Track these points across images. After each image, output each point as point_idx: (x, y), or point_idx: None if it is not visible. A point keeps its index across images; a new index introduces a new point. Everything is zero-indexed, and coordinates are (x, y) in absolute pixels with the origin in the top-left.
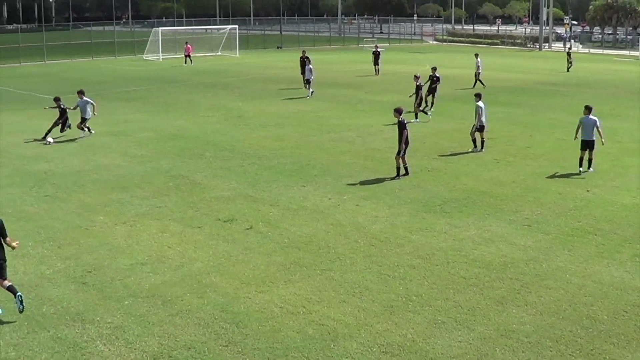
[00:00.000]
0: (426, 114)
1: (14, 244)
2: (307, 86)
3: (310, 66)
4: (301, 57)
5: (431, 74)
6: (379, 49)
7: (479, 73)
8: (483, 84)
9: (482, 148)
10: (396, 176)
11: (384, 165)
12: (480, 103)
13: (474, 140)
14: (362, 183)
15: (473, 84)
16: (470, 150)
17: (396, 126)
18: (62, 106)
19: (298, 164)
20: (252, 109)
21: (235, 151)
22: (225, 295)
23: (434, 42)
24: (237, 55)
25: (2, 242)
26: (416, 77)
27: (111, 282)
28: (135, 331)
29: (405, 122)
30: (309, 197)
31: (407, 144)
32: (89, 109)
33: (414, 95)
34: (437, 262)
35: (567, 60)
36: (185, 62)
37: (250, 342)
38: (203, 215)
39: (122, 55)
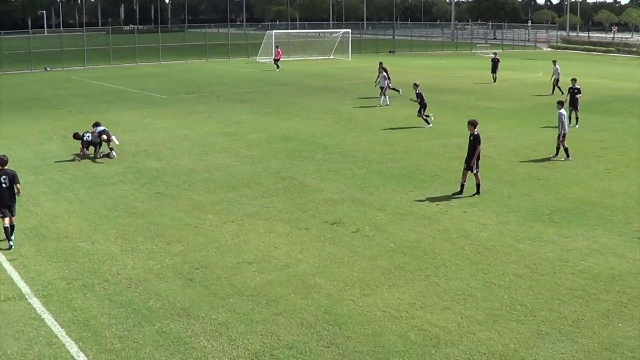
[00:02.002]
0: (427, 122)
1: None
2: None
3: (385, 74)
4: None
5: (571, 85)
6: (497, 56)
7: (557, 80)
8: (562, 91)
9: (556, 154)
10: (459, 192)
11: (493, 173)
12: (562, 110)
13: (565, 149)
14: (471, 190)
15: (552, 91)
16: (562, 159)
17: (468, 139)
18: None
19: (407, 168)
20: (362, 113)
21: (344, 154)
22: (329, 297)
23: (548, 49)
24: (349, 59)
25: (15, 187)
26: (415, 85)
27: (217, 279)
28: (238, 329)
29: (480, 136)
30: (416, 202)
31: (478, 158)
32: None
33: (417, 103)
34: (543, 272)
35: None
36: (277, 67)
37: (352, 344)
38: (310, 217)
39: (236, 57)
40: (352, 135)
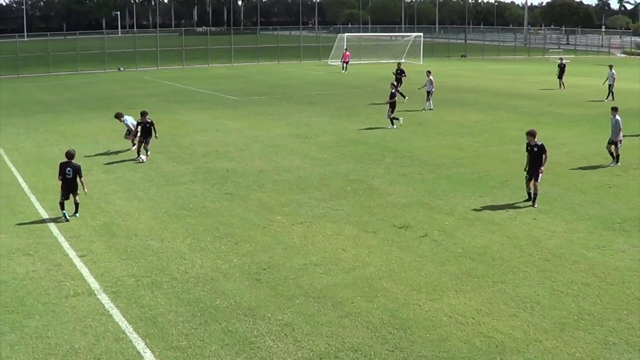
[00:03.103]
0: (393, 122)
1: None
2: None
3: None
4: (396, 70)
5: None
6: (564, 61)
7: (612, 85)
8: (613, 97)
9: (617, 162)
10: (531, 200)
11: (564, 179)
12: (617, 117)
13: (612, 154)
14: (541, 196)
15: (607, 96)
16: (609, 164)
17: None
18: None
19: (477, 174)
20: (432, 117)
21: (413, 158)
22: (395, 300)
23: (622, 55)
24: (421, 62)
25: (79, 180)
26: (393, 85)
27: (284, 280)
28: (304, 330)
29: (544, 145)
30: (485, 208)
31: (538, 167)
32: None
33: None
34: (612, 281)
35: None
36: (343, 69)
37: (416, 349)
38: (378, 221)
39: (307, 59)
40: (421, 139)
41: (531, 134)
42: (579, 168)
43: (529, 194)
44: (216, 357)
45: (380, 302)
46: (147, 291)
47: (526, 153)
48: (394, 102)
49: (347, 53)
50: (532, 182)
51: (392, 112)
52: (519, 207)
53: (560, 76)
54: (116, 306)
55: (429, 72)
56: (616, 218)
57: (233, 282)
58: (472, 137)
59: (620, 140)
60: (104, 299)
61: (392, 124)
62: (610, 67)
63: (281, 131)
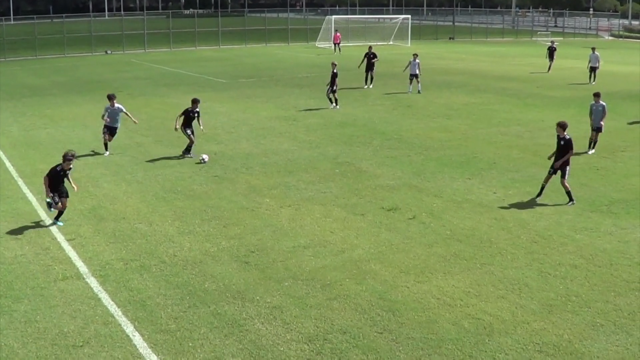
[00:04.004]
0: (331, 102)
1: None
2: (370, 82)
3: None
4: (367, 53)
5: None
6: (555, 44)
7: (596, 67)
8: (594, 79)
9: (593, 148)
10: (538, 195)
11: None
12: (602, 102)
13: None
14: (529, 179)
15: (590, 79)
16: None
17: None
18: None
19: (465, 156)
20: (420, 100)
21: (402, 141)
22: (383, 283)
23: (610, 38)
24: (409, 45)
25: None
26: (333, 65)
27: (273, 263)
28: (293, 312)
29: (568, 138)
30: (473, 190)
31: (568, 164)
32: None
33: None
34: (600, 263)
35: None
36: (335, 51)
37: (405, 331)
38: (367, 203)
39: (295, 42)
40: (410, 122)
41: (560, 126)
42: None
43: (542, 187)
44: (205, 339)
45: (368, 284)
46: (135, 274)
47: (556, 144)
48: (334, 83)
49: (338, 34)
50: (560, 180)
51: (333, 91)
52: (507, 189)
53: (550, 58)
54: (105, 290)
55: (415, 55)
56: (604, 200)
57: (222, 265)
58: (460, 119)
59: (598, 128)
60: (93, 282)
61: (332, 103)
62: (593, 49)
63: (269, 114)
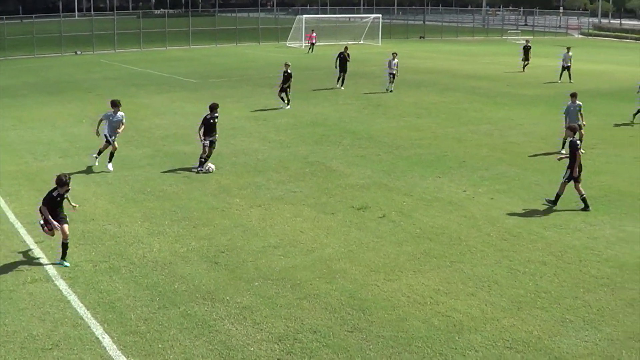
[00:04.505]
0: (283, 100)
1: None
2: (341, 83)
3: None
4: (341, 53)
5: None
6: (529, 44)
7: (568, 67)
8: (560, 77)
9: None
10: (552, 202)
11: (522, 159)
12: (578, 102)
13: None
14: (498, 176)
15: (561, 77)
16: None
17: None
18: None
19: (434, 155)
20: (390, 99)
21: (372, 140)
22: (353, 281)
23: (580, 36)
24: (379, 44)
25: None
26: (286, 65)
27: (243, 263)
28: (263, 312)
29: (578, 143)
30: (443, 188)
31: (579, 169)
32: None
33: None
34: (569, 259)
35: None
36: (309, 51)
37: (375, 329)
38: (337, 202)
39: (266, 41)
40: (380, 121)
41: (569, 129)
42: (537, 148)
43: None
44: (175, 341)
45: (338, 283)
46: (105, 276)
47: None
48: (288, 82)
49: (313, 34)
50: (573, 184)
51: (284, 90)
52: (477, 187)
53: (525, 58)
54: (74, 292)
55: (394, 54)
56: (573, 197)
57: (191, 266)
58: (430, 118)
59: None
60: (62, 285)
61: (284, 101)
62: (568, 49)
63: (239, 114)
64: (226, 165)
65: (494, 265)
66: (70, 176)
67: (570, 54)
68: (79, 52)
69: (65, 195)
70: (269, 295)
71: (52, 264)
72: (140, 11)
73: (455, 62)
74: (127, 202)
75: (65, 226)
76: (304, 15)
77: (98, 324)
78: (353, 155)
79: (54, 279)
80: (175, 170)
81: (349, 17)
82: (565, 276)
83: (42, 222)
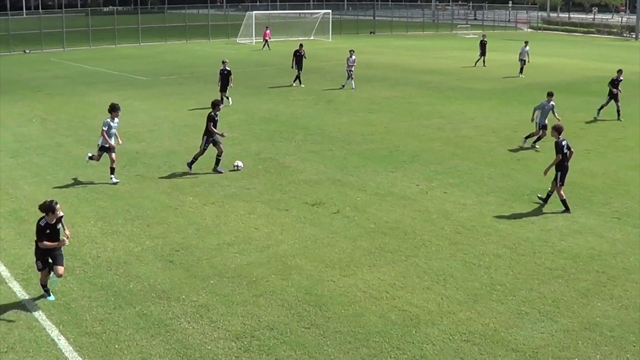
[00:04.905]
0: (227, 99)
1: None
2: (299, 81)
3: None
4: (297, 50)
5: (615, 77)
6: (485, 38)
7: (525, 60)
8: (521, 74)
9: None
10: (566, 210)
11: (474, 153)
12: (552, 102)
13: (539, 138)
14: (451, 170)
15: (520, 72)
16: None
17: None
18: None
19: (387, 149)
20: (342, 94)
21: (324, 135)
22: (309, 278)
23: (529, 30)
24: (330, 40)
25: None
26: (224, 62)
27: (198, 261)
28: (219, 310)
29: (563, 144)
30: (397, 183)
31: (563, 170)
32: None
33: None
34: (523, 252)
35: None
36: (263, 47)
37: (332, 325)
38: (291, 198)
39: (216, 38)
40: (332, 116)
41: (554, 129)
42: (489, 142)
43: (563, 202)
44: (132, 341)
45: (294, 280)
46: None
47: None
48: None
49: (268, 31)
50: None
51: (224, 90)
52: (430, 181)
53: (482, 53)
54: (28, 293)
55: (351, 52)
56: (525, 190)
57: (146, 265)
58: (382, 113)
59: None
60: (15, 286)
61: (228, 100)
62: (526, 43)
63: (191, 111)
64: (179, 163)
65: (449, 259)
66: (57, 201)
67: (527, 48)
68: (27, 51)
69: (58, 226)
70: (225, 293)
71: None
72: (89, 9)
73: (406, 57)
74: (80, 202)
75: (61, 268)
76: (254, 12)
77: (53, 326)
78: (306, 151)
79: (7, 281)
80: (127, 168)
81: (299, 13)
82: (519, 268)
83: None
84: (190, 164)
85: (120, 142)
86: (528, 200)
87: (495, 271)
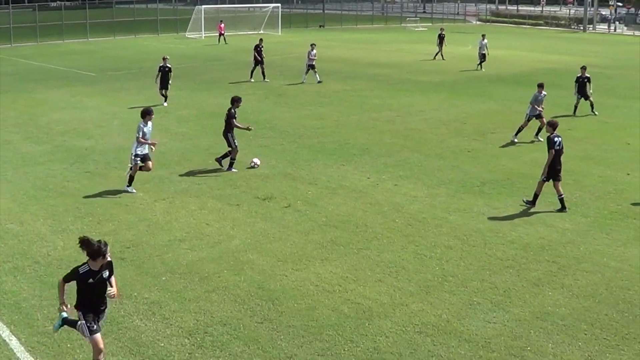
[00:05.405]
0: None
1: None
2: (263, 76)
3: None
4: (257, 46)
5: (579, 75)
6: (443, 32)
7: (484, 54)
8: (482, 68)
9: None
10: (531, 202)
11: (424, 146)
12: (544, 92)
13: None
14: (401, 163)
15: (478, 66)
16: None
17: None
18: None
19: (337, 143)
20: (292, 88)
21: (275, 129)
22: (261, 272)
23: (478, 23)
24: (279, 34)
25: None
26: (164, 59)
27: (149, 258)
28: (171, 307)
29: (555, 140)
30: (347, 176)
31: (548, 164)
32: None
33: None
34: (474, 243)
35: None
36: (219, 41)
37: (285, 319)
38: (242, 193)
39: (165, 33)
40: (282, 110)
41: (549, 124)
42: (438, 134)
43: (536, 195)
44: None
45: (246, 275)
46: (9, 277)
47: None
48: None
49: (222, 25)
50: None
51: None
52: (380, 174)
53: (440, 46)
54: None
55: (313, 45)
56: (475, 181)
57: None
58: (333, 106)
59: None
60: None
61: (165, 99)
62: (483, 36)
63: (140, 106)
64: (128, 159)
65: (400, 251)
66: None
67: (485, 41)
68: None
69: (106, 277)
70: (177, 290)
71: None
72: (37, 4)
73: (356, 51)
74: (29, 200)
75: (98, 335)
76: (203, 6)
77: (4, 326)
78: (256, 145)
79: None
80: (77, 165)
81: (249, 7)
82: (471, 259)
83: (83, 323)
84: (229, 167)
85: (154, 148)
86: (479, 191)
87: (447, 262)
